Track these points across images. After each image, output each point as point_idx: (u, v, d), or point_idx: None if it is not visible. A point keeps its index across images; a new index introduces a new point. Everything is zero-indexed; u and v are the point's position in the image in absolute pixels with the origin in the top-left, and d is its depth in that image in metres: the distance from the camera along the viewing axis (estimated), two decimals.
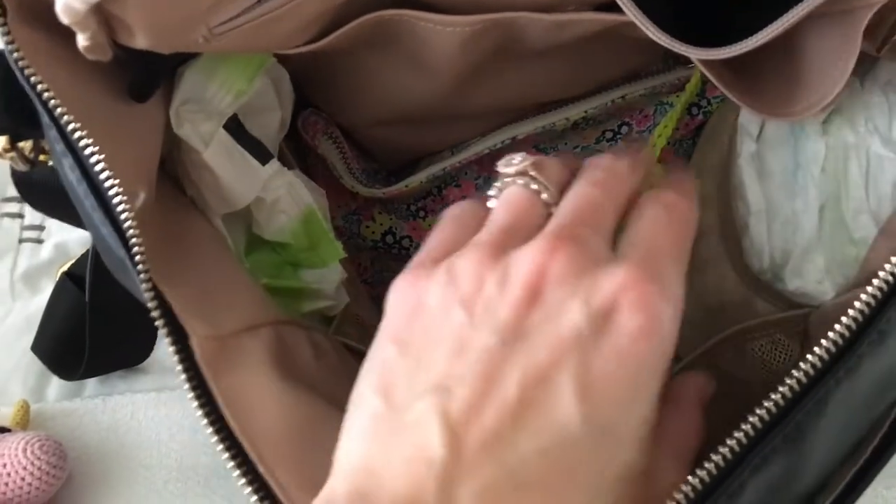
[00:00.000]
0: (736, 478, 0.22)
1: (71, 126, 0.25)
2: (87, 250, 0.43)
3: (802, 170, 0.35)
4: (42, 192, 0.34)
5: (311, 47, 0.31)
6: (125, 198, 0.25)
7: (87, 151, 0.25)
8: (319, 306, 0.38)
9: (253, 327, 0.30)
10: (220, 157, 0.33)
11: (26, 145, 0.29)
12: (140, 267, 0.25)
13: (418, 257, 0.27)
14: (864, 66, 0.35)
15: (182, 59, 0.31)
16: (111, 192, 0.25)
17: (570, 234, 0.24)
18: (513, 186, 0.26)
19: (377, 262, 0.45)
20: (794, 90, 0.33)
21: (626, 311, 0.22)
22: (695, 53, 0.29)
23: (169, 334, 0.25)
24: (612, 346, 0.22)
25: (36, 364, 0.47)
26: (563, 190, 0.27)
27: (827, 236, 0.34)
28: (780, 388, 0.24)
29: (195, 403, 0.25)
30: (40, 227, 0.51)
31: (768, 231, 0.34)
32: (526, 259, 0.23)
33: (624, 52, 0.37)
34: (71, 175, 0.26)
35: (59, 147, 0.26)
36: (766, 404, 0.24)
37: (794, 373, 0.25)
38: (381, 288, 0.46)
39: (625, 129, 0.43)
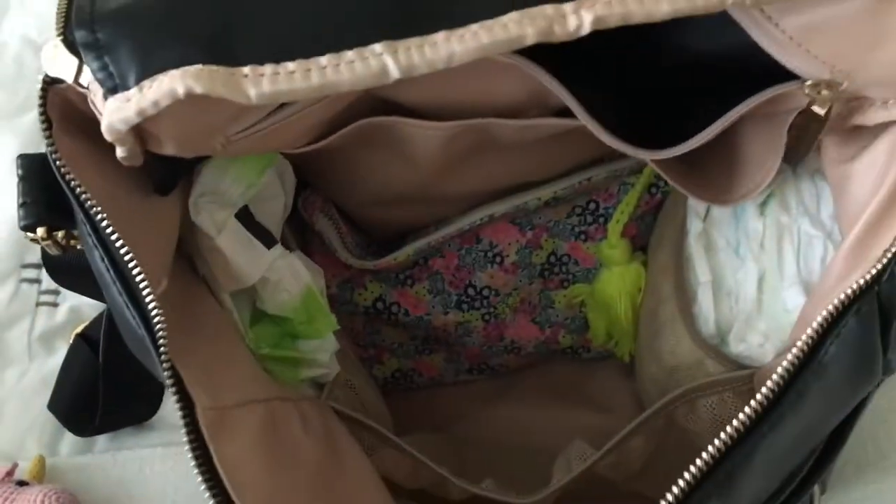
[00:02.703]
0: None
1: (104, 223, 0.29)
2: (100, 314, 0.46)
3: (743, 246, 0.40)
4: (68, 271, 0.38)
5: (311, 148, 0.36)
6: (149, 283, 0.29)
7: (117, 244, 0.29)
8: (315, 374, 0.42)
9: (248, 403, 0.34)
10: (230, 242, 0.37)
11: (59, 233, 0.33)
12: (163, 349, 0.29)
13: None
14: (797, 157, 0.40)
15: (199, 159, 0.36)
16: (138, 279, 0.29)
17: None
18: None
19: (369, 325, 0.49)
20: (733, 180, 0.38)
21: None
22: (640, 154, 0.34)
23: (178, 401, 0.29)
24: None
25: (51, 421, 0.50)
26: None
27: (766, 305, 0.38)
28: (716, 442, 0.29)
29: (193, 463, 0.29)
30: (56, 292, 0.55)
31: (714, 300, 0.39)
32: None
33: (586, 143, 0.42)
34: (100, 264, 0.30)
35: (91, 240, 0.30)
36: (703, 456, 0.29)
37: (728, 428, 0.29)
38: (373, 350, 0.50)
39: (592, 205, 0.47)
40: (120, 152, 0.29)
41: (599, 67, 0.35)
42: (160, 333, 0.29)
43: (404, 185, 0.42)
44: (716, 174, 0.39)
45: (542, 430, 0.49)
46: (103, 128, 0.27)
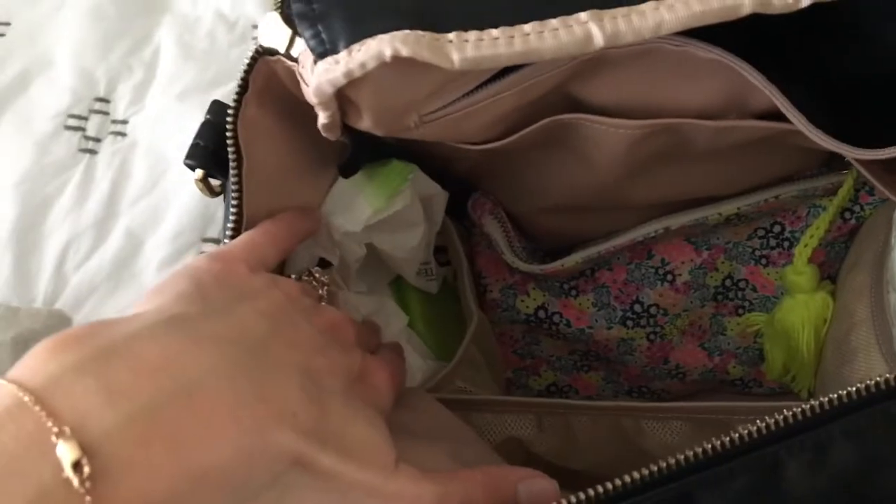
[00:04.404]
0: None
1: (234, 194, 0.31)
2: None
3: None
4: None
5: (494, 145, 0.35)
6: None
7: (233, 211, 0.32)
8: None
9: None
10: None
11: (216, 183, 0.34)
12: None
13: None
14: None
15: (383, 152, 0.37)
16: None
17: None
18: None
19: (529, 334, 0.48)
20: None
21: None
22: (859, 154, 0.31)
23: None
24: None
25: None
26: None
27: None
28: None
29: None
30: None
31: None
32: None
33: (779, 158, 0.40)
34: (227, 230, 0.32)
35: (227, 202, 0.32)
36: None
37: None
38: (531, 360, 0.49)
39: (777, 227, 0.45)
40: (322, 118, 0.30)
41: (795, 67, 0.33)
42: None
43: (580, 192, 0.41)
44: None
45: None
46: (311, 90, 0.28)
